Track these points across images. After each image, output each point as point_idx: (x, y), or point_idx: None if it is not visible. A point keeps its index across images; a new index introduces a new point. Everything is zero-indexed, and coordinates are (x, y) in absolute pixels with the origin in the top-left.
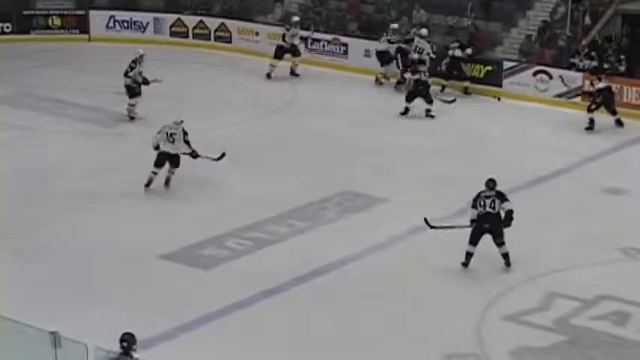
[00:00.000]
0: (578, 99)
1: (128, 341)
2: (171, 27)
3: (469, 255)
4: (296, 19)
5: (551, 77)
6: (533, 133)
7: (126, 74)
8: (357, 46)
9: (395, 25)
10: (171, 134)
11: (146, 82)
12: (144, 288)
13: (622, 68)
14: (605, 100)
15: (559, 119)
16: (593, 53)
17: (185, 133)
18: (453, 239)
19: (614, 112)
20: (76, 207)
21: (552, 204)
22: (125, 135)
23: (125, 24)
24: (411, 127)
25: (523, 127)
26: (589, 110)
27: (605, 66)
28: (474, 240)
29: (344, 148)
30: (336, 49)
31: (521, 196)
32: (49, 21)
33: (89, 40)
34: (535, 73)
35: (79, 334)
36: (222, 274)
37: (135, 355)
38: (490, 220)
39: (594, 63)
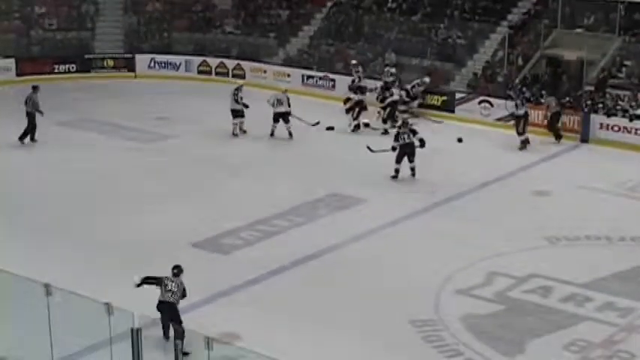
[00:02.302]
0: (512, 122)
1: (178, 268)
2: (198, 66)
3: (397, 170)
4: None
5: (492, 105)
6: (477, 148)
7: (236, 101)
8: (342, 81)
9: (392, 70)
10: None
11: (246, 106)
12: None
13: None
14: (524, 122)
15: (498, 138)
16: (524, 89)
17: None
18: (418, 230)
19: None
20: (128, 205)
21: (493, 204)
22: (160, 150)
23: (163, 64)
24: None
25: (470, 144)
26: (521, 133)
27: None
28: (398, 160)
29: (330, 159)
30: (325, 83)
31: (468, 197)
32: (105, 62)
33: (135, 77)
34: (480, 102)
35: (126, 304)
36: (239, 258)
37: (182, 278)
38: (407, 147)
39: (527, 94)
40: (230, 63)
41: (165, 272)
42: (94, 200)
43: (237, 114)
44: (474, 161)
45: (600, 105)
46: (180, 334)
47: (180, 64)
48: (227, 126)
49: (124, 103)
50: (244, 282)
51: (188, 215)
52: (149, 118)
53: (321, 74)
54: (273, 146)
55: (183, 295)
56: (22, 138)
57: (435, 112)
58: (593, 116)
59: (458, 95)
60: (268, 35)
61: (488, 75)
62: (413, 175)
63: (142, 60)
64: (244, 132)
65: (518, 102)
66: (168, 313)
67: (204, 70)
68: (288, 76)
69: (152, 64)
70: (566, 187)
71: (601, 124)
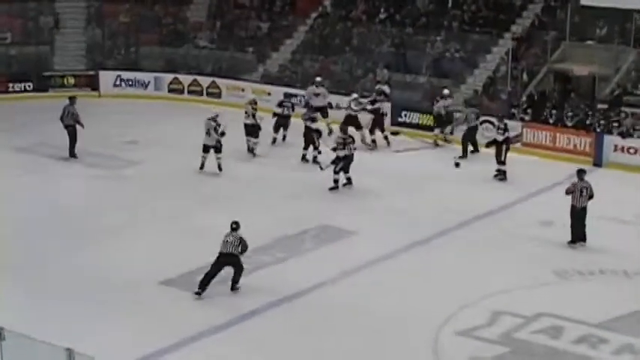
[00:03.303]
0: (519, 144)
1: (237, 224)
2: (169, 84)
3: (336, 181)
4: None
5: (494, 125)
6: (478, 174)
7: (208, 133)
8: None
9: (384, 87)
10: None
11: (223, 134)
12: (146, 310)
13: (551, 120)
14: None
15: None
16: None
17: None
18: (414, 265)
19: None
20: (85, 240)
21: (497, 235)
22: (127, 178)
23: (130, 82)
24: (371, 168)
25: (470, 169)
26: (501, 162)
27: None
28: (338, 170)
29: (318, 187)
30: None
31: (469, 228)
32: (65, 80)
33: (99, 96)
34: (481, 123)
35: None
36: (213, 297)
37: (240, 232)
38: (346, 159)
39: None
40: (204, 80)
41: (133, 315)
42: (50, 235)
43: (208, 149)
44: (475, 188)
45: (615, 125)
46: (238, 276)
47: (148, 82)
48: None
49: (86, 126)
50: (219, 325)
51: (156, 250)
52: (114, 142)
53: (304, 92)
54: (253, 173)
55: (244, 248)
56: (73, 153)
57: (430, 134)
58: (606, 137)
59: (457, 115)
60: (246, 50)
61: (490, 92)
62: (350, 183)
63: (106, 77)
64: (220, 170)
65: (501, 126)
66: (228, 262)
67: (175, 89)
68: (269, 94)
69: (118, 82)
70: None
71: (615, 146)
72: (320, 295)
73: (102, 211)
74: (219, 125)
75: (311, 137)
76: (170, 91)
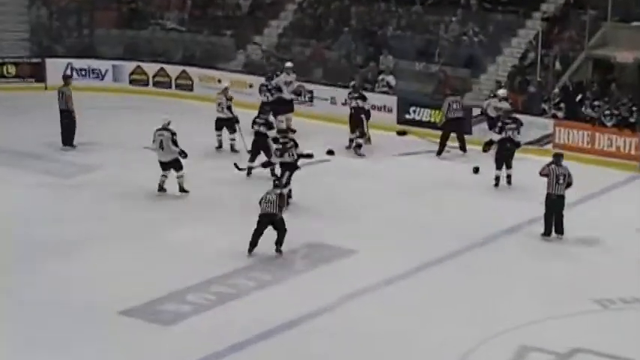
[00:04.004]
0: (549, 146)
1: (279, 180)
2: (130, 74)
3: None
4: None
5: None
6: (502, 179)
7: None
8: (323, 93)
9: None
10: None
11: (183, 154)
12: (101, 344)
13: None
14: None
15: (528, 167)
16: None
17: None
18: (422, 290)
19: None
20: (31, 256)
21: (523, 254)
22: (81, 186)
23: (83, 72)
24: (370, 173)
25: (490, 176)
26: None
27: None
28: (286, 182)
29: (310, 198)
30: (301, 96)
31: (489, 246)
32: (4, 69)
33: (46, 88)
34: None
35: None
36: (184, 330)
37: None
38: (286, 165)
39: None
40: (173, 70)
41: (88, 350)
42: None
43: (167, 167)
44: (497, 198)
45: None
46: (281, 236)
47: (106, 72)
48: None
49: (30, 124)
50: None
51: (117, 272)
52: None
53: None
54: (231, 179)
55: (281, 204)
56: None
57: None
58: None
59: (476, 111)
60: (224, 33)
61: (516, 84)
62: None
63: (54, 66)
64: (182, 191)
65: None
66: (269, 223)
67: (138, 80)
68: (250, 86)
69: (68, 72)
70: (622, 231)
71: None
72: (313, 326)
73: (49, 226)
74: (174, 134)
75: (265, 145)
76: (132, 82)
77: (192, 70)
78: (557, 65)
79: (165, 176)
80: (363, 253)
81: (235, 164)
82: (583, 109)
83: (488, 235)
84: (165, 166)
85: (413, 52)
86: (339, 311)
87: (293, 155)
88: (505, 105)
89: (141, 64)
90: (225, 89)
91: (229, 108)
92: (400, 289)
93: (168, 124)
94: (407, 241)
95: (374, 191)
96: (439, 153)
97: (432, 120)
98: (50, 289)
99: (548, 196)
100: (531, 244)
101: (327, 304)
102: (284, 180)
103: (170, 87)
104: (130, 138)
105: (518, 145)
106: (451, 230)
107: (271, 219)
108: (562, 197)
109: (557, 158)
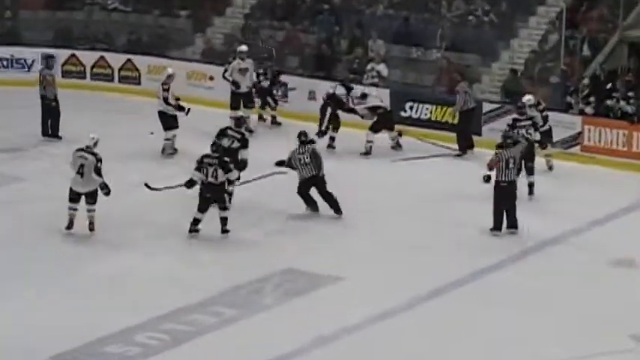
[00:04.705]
0: (577, 148)
1: (305, 135)
2: (63, 65)
3: (196, 222)
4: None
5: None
6: (520, 189)
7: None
8: (303, 85)
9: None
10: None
11: (104, 187)
12: None
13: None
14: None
15: (551, 174)
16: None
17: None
18: (424, 324)
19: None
20: None
21: (546, 280)
22: (5, 202)
23: (5, 62)
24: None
25: None
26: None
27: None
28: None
29: (285, 212)
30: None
31: (506, 270)
32: None
33: None
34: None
35: None
36: None
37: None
38: (211, 189)
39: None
40: (115, 59)
41: None
42: None
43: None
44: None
45: None
46: (332, 201)
47: (32, 62)
48: (112, 162)
49: None
50: None
51: (48, 308)
52: None
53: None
54: (187, 194)
55: (318, 162)
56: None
57: (445, 135)
58: None
59: (486, 107)
60: (178, 13)
61: (535, 73)
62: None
63: None
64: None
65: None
66: (314, 184)
67: (72, 71)
68: (211, 78)
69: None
70: None
71: None
72: None
73: None
74: (100, 161)
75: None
76: (65, 74)
77: (139, 60)
78: (586, 50)
79: (76, 209)
80: (350, 280)
81: (146, 184)
82: (616, 102)
83: (506, 257)
84: (77, 197)
85: (408, 35)
86: (316, 355)
87: (215, 175)
88: (534, 113)
89: (76, 52)
90: (170, 76)
91: (177, 100)
92: (396, 327)
93: (95, 144)
94: (403, 265)
95: (364, 204)
96: (460, 154)
97: (434, 118)
98: None
99: (497, 184)
100: (559, 269)
101: (300, 347)
102: (201, 205)
103: (112, 80)
104: (62, 144)
105: (540, 143)
106: (457, 252)
107: (314, 181)
108: (513, 184)
109: (506, 140)
